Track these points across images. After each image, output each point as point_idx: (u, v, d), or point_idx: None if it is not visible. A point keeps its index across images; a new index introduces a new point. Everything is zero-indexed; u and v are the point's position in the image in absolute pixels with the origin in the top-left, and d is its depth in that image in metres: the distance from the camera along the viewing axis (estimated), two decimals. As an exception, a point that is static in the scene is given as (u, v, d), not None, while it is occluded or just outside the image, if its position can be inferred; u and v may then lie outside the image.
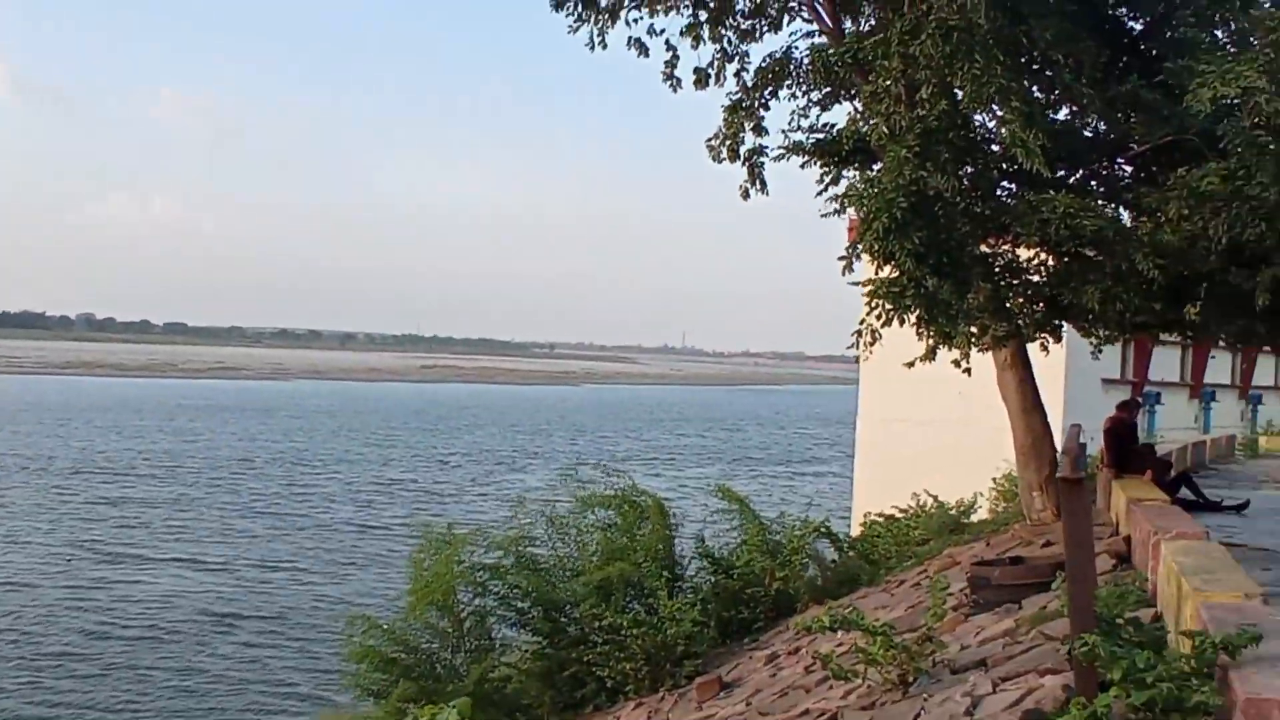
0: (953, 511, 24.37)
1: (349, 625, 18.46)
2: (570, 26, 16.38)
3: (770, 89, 16.08)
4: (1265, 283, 13.65)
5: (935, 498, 25.26)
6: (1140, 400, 29.52)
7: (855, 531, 28.36)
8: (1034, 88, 15.13)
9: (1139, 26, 15.64)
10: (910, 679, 10.08)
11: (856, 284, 14.44)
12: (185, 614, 38.10)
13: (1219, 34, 15.15)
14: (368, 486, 70.08)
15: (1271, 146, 12.81)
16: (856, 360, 15.65)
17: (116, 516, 56.04)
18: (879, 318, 13.73)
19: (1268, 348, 18.23)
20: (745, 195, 15.49)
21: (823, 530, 21.07)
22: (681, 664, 16.56)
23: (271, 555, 48.23)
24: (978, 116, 14.35)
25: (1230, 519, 17.95)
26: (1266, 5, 14.71)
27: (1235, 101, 12.82)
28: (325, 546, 50.39)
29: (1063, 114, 15.89)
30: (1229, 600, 7.47)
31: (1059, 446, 16.49)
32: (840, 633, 12.40)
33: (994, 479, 26.84)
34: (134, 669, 32.43)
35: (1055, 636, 8.73)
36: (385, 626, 18.40)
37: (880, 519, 25.40)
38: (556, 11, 16.40)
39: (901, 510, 25.60)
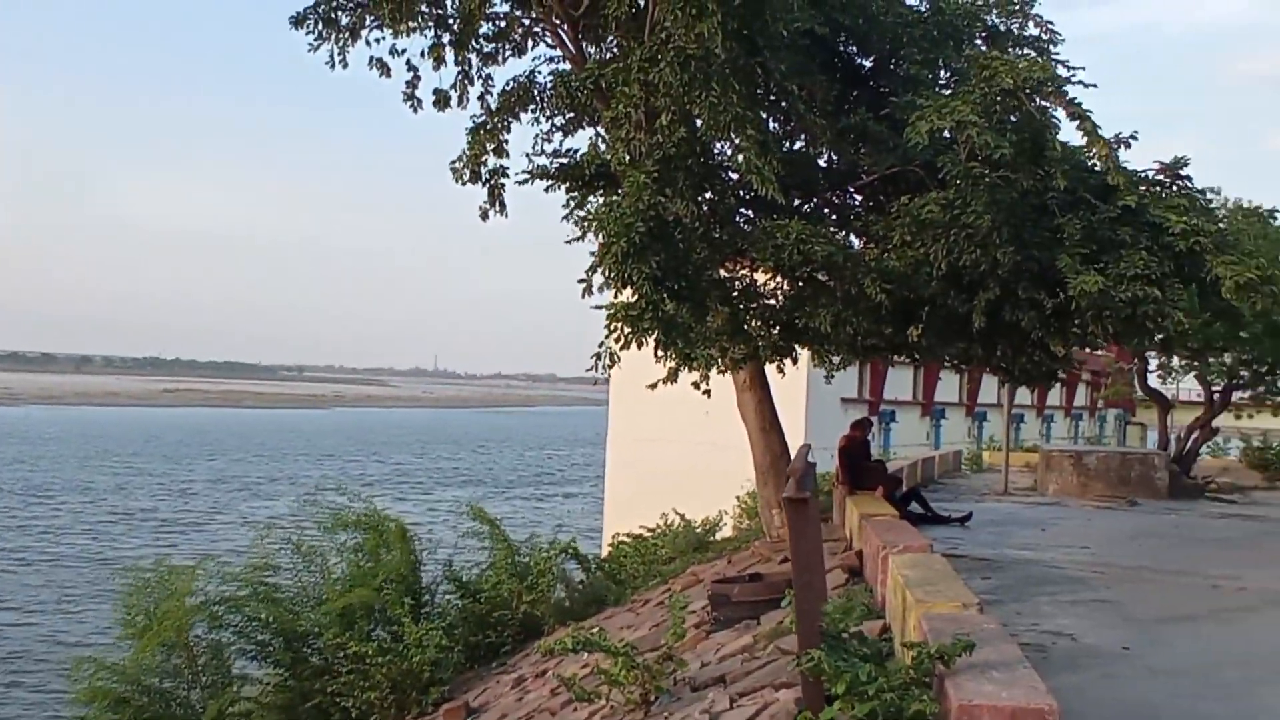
0: (698, 530, 24.74)
1: (76, 668, 17.53)
2: (310, 45, 15.99)
3: (513, 112, 16.03)
4: (981, 307, 14.34)
5: (682, 516, 25.60)
6: (872, 419, 30.64)
7: (605, 552, 28.52)
8: (770, 118, 15.53)
9: (868, 64, 16.23)
10: (652, 698, 10.15)
11: (599, 308, 14.52)
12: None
13: (941, 72, 15.88)
14: (104, 517, 66.83)
15: (985, 178, 13.50)
16: (597, 383, 15.71)
17: None
18: (618, 341, 13.84)
19: (987, 368, 19.18)
20: (484, 216, 15.41)
21: (570, 551, 21.10)
22: (428, 691, 16.33)
23: (-4, 594, 45.47)
24: (716, 144, 14.62)
25: (955, 531, 18.79)
26: (981, 47, 15.48)
27: (950, 135, 13.48)
28: (57, 582, 47.79)
29: (798, 145, 16.34)
30: (948, 610, 7.76)
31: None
32: (586, 654, 12.42)
33: (738, 497, 27.37)
34: None
35: (790, 651, 8.90)
36: (116, 665, 17.54)
37: (628, 539, 25.58)
38: (296, 29, 16.00)
39: (649, 530, 25.85)
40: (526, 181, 16.05)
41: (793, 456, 18.32)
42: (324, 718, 16.82)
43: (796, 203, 15.74)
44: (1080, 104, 13.73)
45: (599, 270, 13.01)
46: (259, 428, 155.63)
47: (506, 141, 15.78)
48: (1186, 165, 15.41)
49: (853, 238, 16.35)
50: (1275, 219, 27.51)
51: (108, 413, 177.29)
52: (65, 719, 21.92)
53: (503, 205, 15.27)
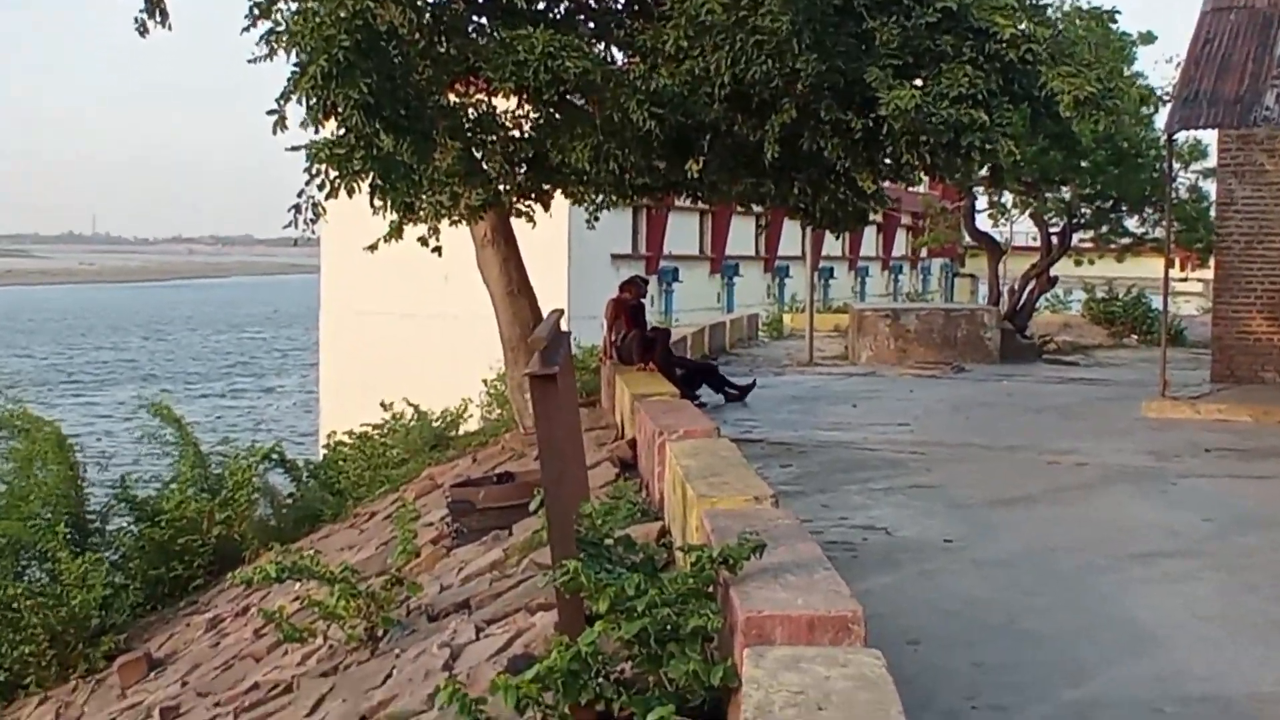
0: (436, 424, 24.73)
1: None
2: None
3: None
4: (773, 132, 14.48)
5: (416, 408, 25.52)
6: (648, 278, 31.01)
7: (321, 457, 28.31)
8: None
9: None
10: (379, 633, 10.21)
11: (296, 148, 14.17)
12: None
13: None
14: None
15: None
16: (297, 244, 15.41)
17: None
18: (322, 188, 13.57)
19: (785, 211, 19.48)
20: (142, 31, 14.73)
21: (275, 457, 20.93)
22: (97, 641, 16.06)
23: None
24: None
25: (749, 411, 19.28)
26: None
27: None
28: None
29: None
30: (736, 506, 7.95)
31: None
32: (296, 583, 12.37)
33: (485, 380, 27.41)
34: None
35: (546, 565, 9.03)
36: None
37: (349, 439, 25.43)
38: None
39: (375, 427, 25.72)
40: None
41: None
42: (-40, 683, 16.41)
43: (542, 6, 15.60)
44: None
45: (294, 98, 12.69)
46: None
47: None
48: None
49: (615, 50, 16.31)
50: (1116, 22, 28.55)
51: None
52: None
53: (164, 14, 14.63)
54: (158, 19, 14.56)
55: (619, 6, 16.63)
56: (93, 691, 15.14)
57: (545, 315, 17.74)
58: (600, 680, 5.99)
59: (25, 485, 19.05)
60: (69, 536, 17.39)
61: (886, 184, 19.14)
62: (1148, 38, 30.91)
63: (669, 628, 5.95)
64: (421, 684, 8.51)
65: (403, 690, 8.66)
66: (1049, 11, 17.36)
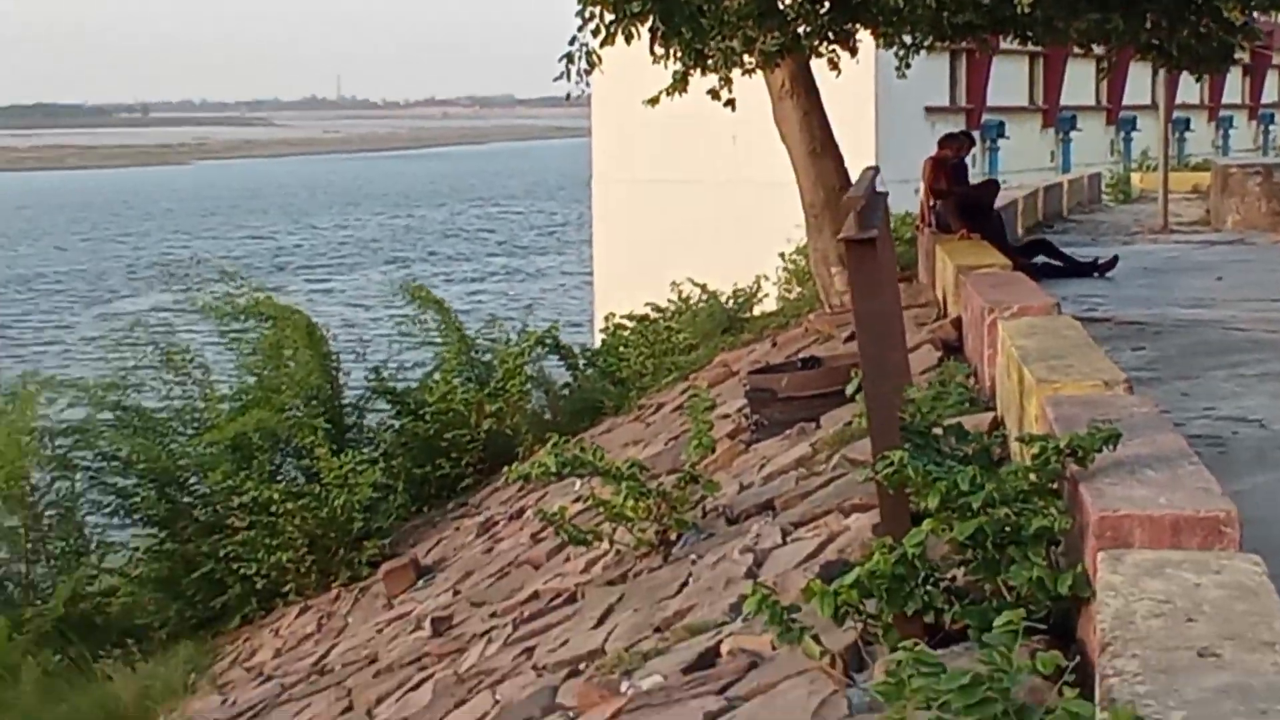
0: (728, 304, 24.88)
1: None
2: None
3: None
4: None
5: (704, 287, 25.71)
6: (971, 134, 30.52)
7: (598, 342, 28.75)
8: None
9: None
10: (673, 536, 10.38)
11: (562, -10, 14.36)
12: None
13: None
14: None
15: None
16: (570, 99, 15.58)
17: None
18: (596, 34, 13.70)
19: (1134, 51, 18.84)
20: None
21: (549, 342, 21.33)
22: (360, 547, 16.75)
23: None
24: None
25: (1093, 284, 18.95)
26: None
27: None
28: None
29: None
30: (1083, 392, 7.89)
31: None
32: (578, 481, 12.67)
33: (782, 255, 27.43)
34: None
35: (863, 460, 9.09)
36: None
37: (629, 322, 25.77)
38: None
39: (658, 309, 26.00)
40: None
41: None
42: (218, 591, 17.27)
43: None
44: None
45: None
46: (90, 195, 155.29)
47: None
48: None
49: None
50: None
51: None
52: None
53: None
54: None
55: None
56: (356, 600, 15.81)
57: (853, 177, 17.72)
58: (929, 588, 6.00)
59: (275, 376, 19.75)
60: (326, 432, 18.00)
61: (1258, 15, 18.48)
62: None
63: (1008, 528, 5.95)
64: (722, 593, 8.65)
65: (701, 600, 8.81)
66: None
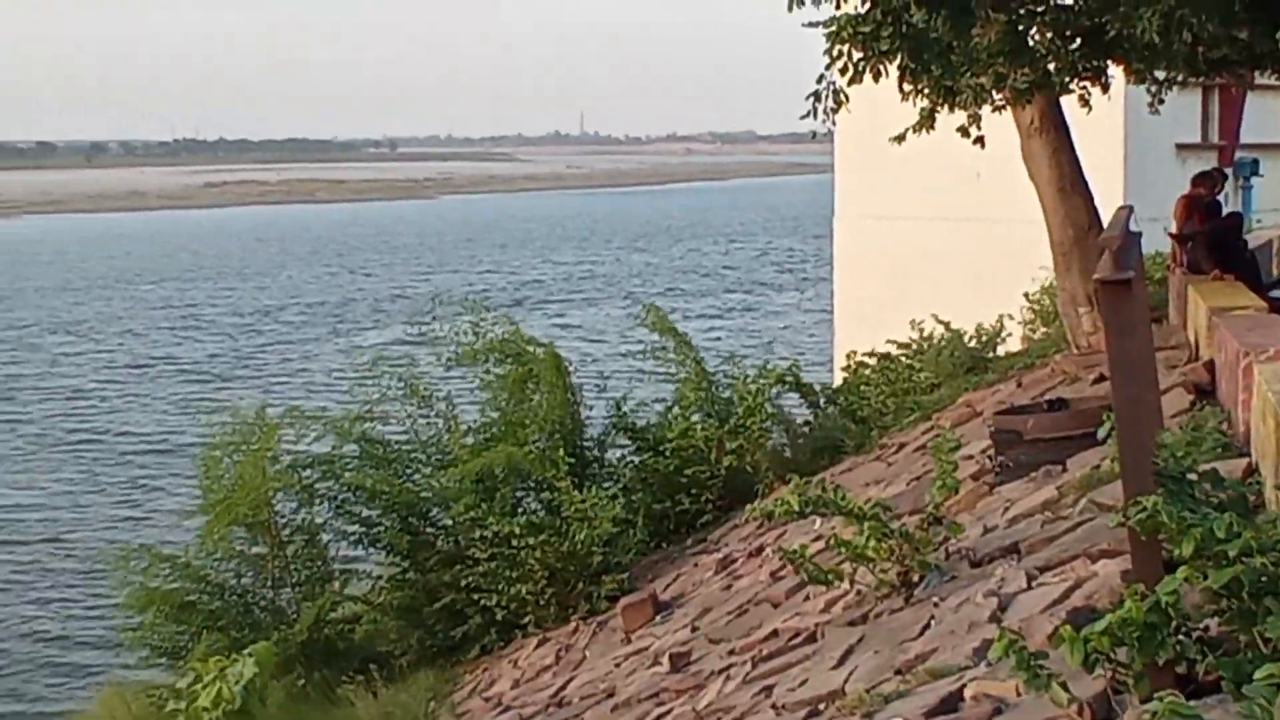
0: (971, 343, 24.70)
1: (121, 561, 18.44)
2: None
3: None
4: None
5: (947, 325, 25.56)
6: (1225, 171, 29.90)
7: (837, 380, 28.68)
8: None
9: None
10: (915, 578, 10.33)
11: (813, 25, 14.36)
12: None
13: None
14: (131, 366, 69.37)
15: None
16: (816, 137, 15.61)
17: None
18: (844, 71, 13.70)
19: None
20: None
21: (789, 381, 21.30)
22: (599, 581, 16.86)
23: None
24: None
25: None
26: None
27: None
28: (106, 457, 50.16)
29: None
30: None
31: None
32: (818, 520, 12.65)
33: (1027, 295, 27.17)
34: None
35: (1113, 505, 8.96)
36: (176, 558, 18.43)
37: (870, 360, 25.69)
38: None
39: (900, 346, 25.89)
40: None
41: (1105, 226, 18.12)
42: (459, 621, 17.52)
43: None
44: None
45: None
46: (337, 228, 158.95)
47: None
48: None
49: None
50: None
51: (133, 220, 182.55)
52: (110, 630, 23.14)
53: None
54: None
55: None
56: (594, 634, 15.92)
57: (1103, 216, 17.49)
58: (1182, 637, 5.91)
59: (520, 410, 19.99)
60: (569, 466, 18.16)
61: None
62: None
63: (1265, 578, 5.84)
64: (965, 636, 8.58)
65: (943, 643, 8.75)
66: None
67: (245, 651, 12.90)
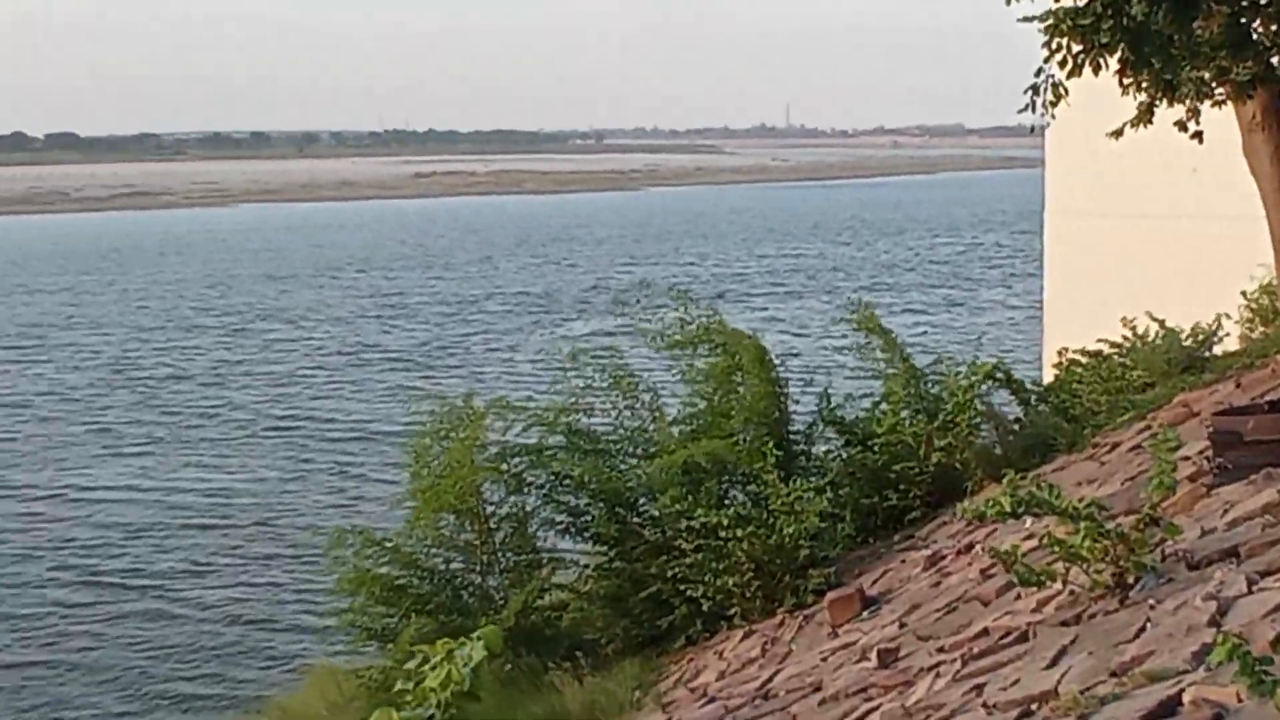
0: (1187, 342, 24.30)
1: (334, 543, 18.79)
2: None
3: None
4: None
5: (1161, 323, 25.16)
6: None
7: (1047, 377, 28.39)
8: None
9: None
10: (1130, 579, 10.21)
11: (1028, 19, 14.24)
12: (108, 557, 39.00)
13: None
14: (339, 353, 70.68)
15: None
16: (1034, 131, 15.51)
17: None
18: (1063, 64, 13.58)
19: None
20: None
21: (999, 377, 21.10)
22: (806, 574, 16.83)
23: (226, 460, 49.14)
24: None
25: None
26: None
27: None
28: (314, 443, 51.29)
29: None
30: None
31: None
32: (1030, 520, 12.56)
33: (1245, 293, 26.69)
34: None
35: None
36: (387, 542, 18.74)
37: (1082, 358, 25.38)
38: None
39: (1113, 344, 25.56)
40: None
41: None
42: (664, 612, 17.59)
43: None
44: None
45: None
46: (543, 219, 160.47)
47: None
48: None
49: None
50: None
51: (344, 209, 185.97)
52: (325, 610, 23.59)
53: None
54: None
55: None
56: (800, 628, 15.91)
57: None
58: None
59: (726, 402, 20.04)
60: (776, 459, 18.17)
61: None
62: None
63: None
64: (1183, 640, 8.48)
65: (1160, 646, 8.65)
66: None
67: (474, 635, 13.10)
